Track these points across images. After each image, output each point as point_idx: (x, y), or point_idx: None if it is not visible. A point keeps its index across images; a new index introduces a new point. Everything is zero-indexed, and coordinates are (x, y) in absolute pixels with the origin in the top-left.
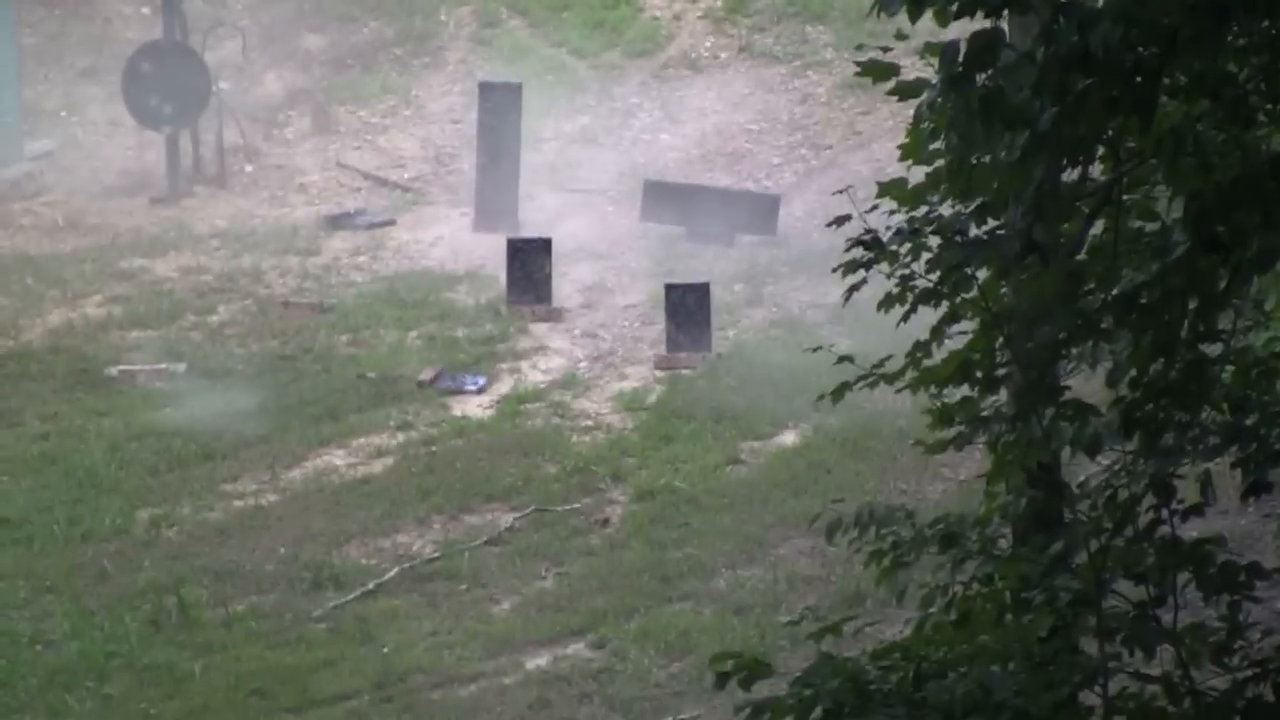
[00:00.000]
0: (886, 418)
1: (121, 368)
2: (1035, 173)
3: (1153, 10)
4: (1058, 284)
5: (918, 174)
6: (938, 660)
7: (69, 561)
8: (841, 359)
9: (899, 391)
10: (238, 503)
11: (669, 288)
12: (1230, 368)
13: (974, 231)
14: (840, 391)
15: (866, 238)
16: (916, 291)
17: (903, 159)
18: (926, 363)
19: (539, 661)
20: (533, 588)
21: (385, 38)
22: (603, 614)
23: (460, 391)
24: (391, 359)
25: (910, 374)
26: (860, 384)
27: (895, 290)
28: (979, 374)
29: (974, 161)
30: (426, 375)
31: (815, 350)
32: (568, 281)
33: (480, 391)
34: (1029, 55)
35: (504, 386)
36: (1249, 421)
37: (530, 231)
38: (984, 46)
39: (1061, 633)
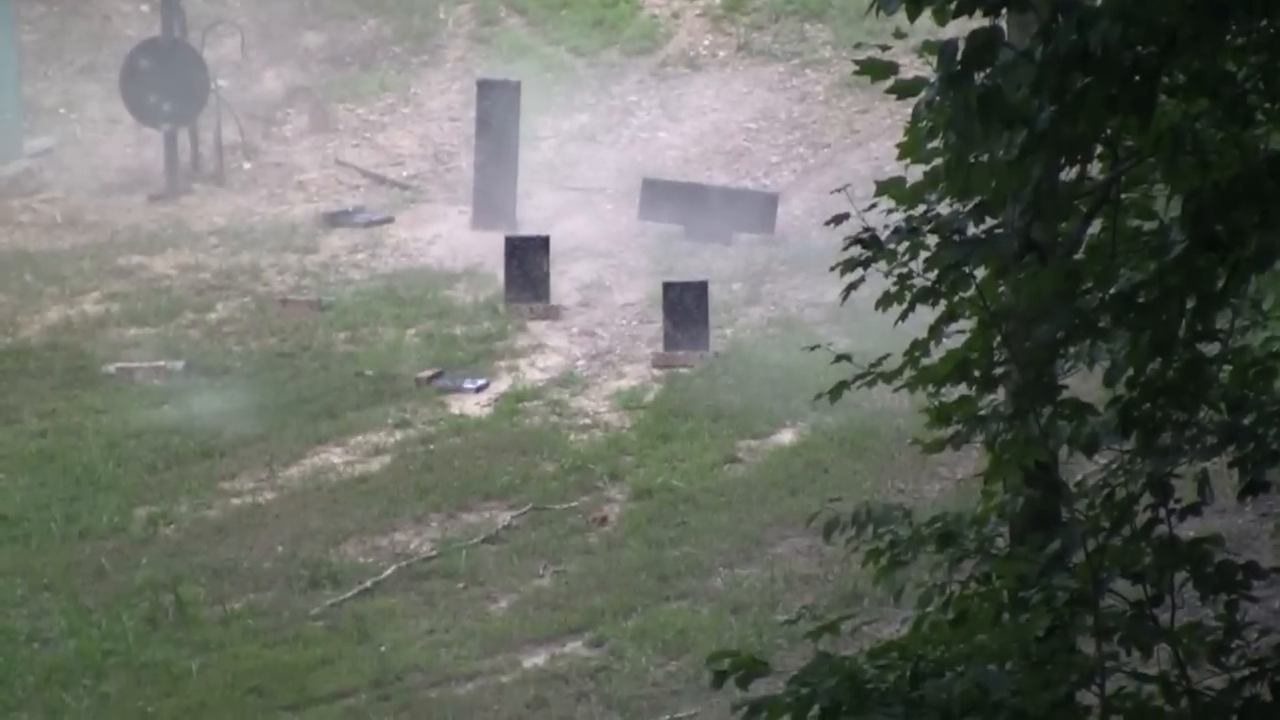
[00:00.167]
0: (884, 417)
1: (119, 365)
2: (1033, 171)
3: (1151, 9)
4: (1056, 283)
5: (916, 173)
6: (935, 659)
7: (66, 559)
8: (839, 358)
9: (897, 390)
10: (235, 500)
11: (667, 286)
12: (1228, 367)
13: (972, 230)
14: (838, 390)
15: (864, 236)
16: (914, 290)
17: (901, 157)
18: (924, 361)
19: (536, 660)
20: (530, 586)
21: (384, 35)
22: (600, 612)
23: (459, 390)
24: (390, 357)
25: (908, 373)
26: (858, 383)
27: (893, 289)
28: (977, 373)
29: (972, 160)
30: (426, 375)
31: (813, 349)
32: (566, 280)
33: (479, 391)
34: (1027, 54)
35: (502, 385)
36: (1246, 421)
37: (528, 229)
38: (982, 45)
39: (1059, 632)
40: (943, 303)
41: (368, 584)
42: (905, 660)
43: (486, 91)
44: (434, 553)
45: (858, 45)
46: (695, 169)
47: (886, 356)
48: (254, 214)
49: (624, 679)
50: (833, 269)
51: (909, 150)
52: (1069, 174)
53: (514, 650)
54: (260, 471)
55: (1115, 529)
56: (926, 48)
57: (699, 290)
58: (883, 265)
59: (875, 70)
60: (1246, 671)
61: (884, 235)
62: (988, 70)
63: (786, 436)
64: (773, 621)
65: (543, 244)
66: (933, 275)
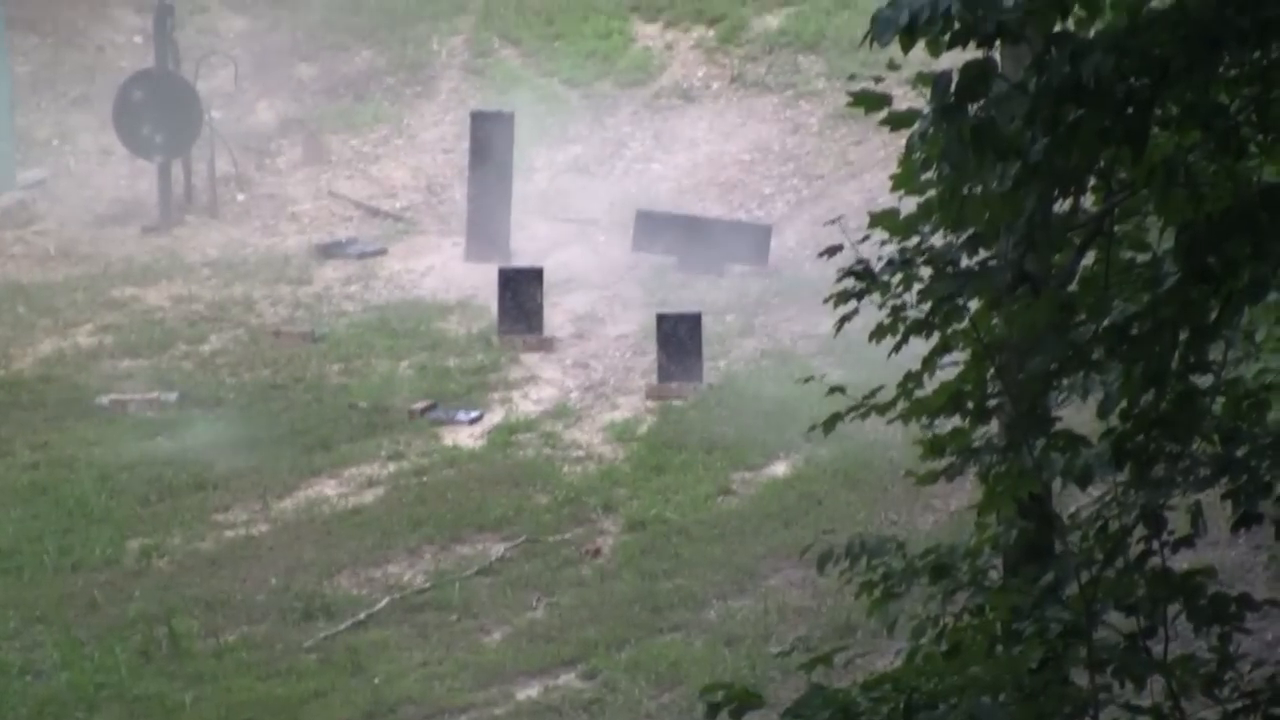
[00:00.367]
0: (878, 449)
1: (113, 397)
2: (1027, 203)
3: (1144, 41)
4: (1049, 315)
5: (909, 204)
6: (928, 691)
7: (59, 591)
8: (833, 390)
9: (890, 422)
10: (229, 533)
11: (660, 318)
12: (1221, 399)
13: (965, 262)
14: (831, 422)
15: (858, 268)
16: (908, 322)
17: (894, 189)
18: (918, 393)
19: (530, 692)
20: (524, 618)
21: (377, 67)
22: (593, 644)
23: (452, 422)
24: (383, 389)
25: (901, 405)
26: (852, 415)
27: (887, 321)
28: (970, 405)
29: (966, 192)
30: (419, 407)
31: (807, 381)
32: (559, 311)
33: (473, 423)
34: (1021, 86)
35: (495, 416)
36: (1240, 453)
37: (522, 261)
38: (976, 77)
39: (1052, 664)
40: (936, 334)
41: (361, 616)
42: (899, 692)
43: (480, 123)
44: (427, 585)
45: (851, 77)
46: (689, 200)
47: (880, 388)
48: (247, 245)
49: (617, 711)
50: (826, 301)
51: (903, 182)
52: (1062, 206)
53: (507, 682)
54: (253, 503)
55: (1109, 561)
56: (920, 79)
57: (692, 322)
58: (876, 297)
59: (869, 102)
60: (1240, 704)
61: (878, 267)
62: (981, 102)
63: (780, 468)
64: (766, 653)
65: (536, 275)
66: (926, 307)
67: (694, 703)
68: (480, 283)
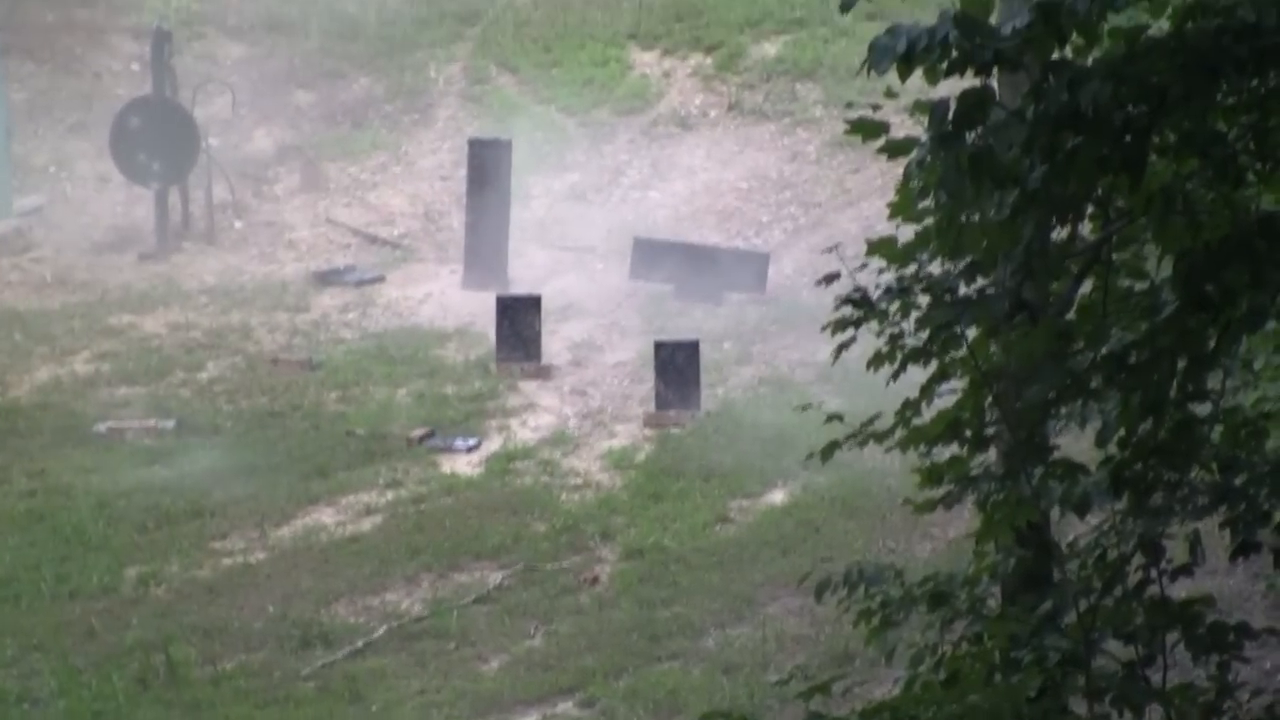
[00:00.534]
0: (876, 476)
1: (110, 424)
2: (1024, 231)
3: (1142, 69)
4: (1047, 343)
5: (907, 232)
6: None
7: (56, 619)
8: (830, 417)
9: (888, 450)
10: (226, 560)
11: (658, 345)
12: (1219, 427)
13: (963, 290)
14: (829, 450)
15: (856, 296)
16: (906, 350)
17: (892, 217)
18: (916, 421)
19: None
20: (521, 646)
21: (375, 94)
22: (591, 673)
23: (450, 449)
24: (381, 416)
25: (899, 433)
26: (849, 443)
27: (884, 349)
28: (968, 433)
29: (963, 220)
30: (417, 434)
31: (804, 409)
32: (557, 339)
33: (471, 451)
34: (1018, 113)
35: (493, 444)
36: (1238, 481)
37: (520, 289)
38: (973, 105)
39: (1050, 692)
40: (934, 362)
41: (359, 644)
42: None
43: (478, 150)
44: (425, 613)
45: (849, 104)
46: (686, 228)
47: (878, 416)
48: (244, 273)
49: None
50: (824, 328)
51: (900, 209)
52: (1060, 234)
53: (505, 711)
54: (251, 531)
55: (1107, 589)
56: (918, 107)
57: (690, 350)
58: (874, 325)
59: (866, 129)
60: None
61: (875, 295)
62: (979, 130)
63: (778, 496)
64: (764, 682)
65: (534, 303)
66: (924, 335)
67: None
68: (478, 310)
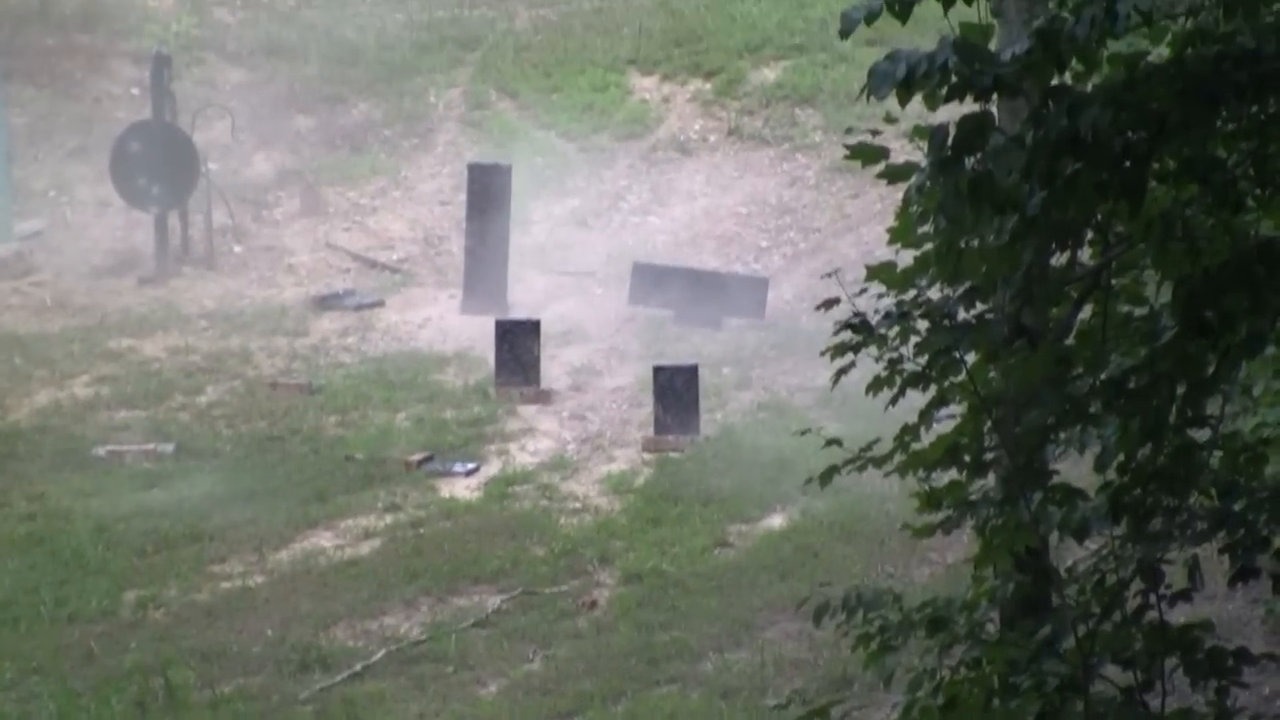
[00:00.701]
0: (874, 501)
1: (109, 448)
2: (1024, 256)
3: (1142, 95)
4: (1046, 368)
5: (906, 257)
6: None
7: (55, 642)
8: (829, 442)
9: (887, 475)
10: (225, 584)
11: (657, 370)
12: (1218, 453)
13: (962, 315)
14: (828, 475)
15: (855, 321)
16: (905, 375)
17: (891, 242)
18: (915, 446)
19: None
20: (520, 670)
21: (374, 119)
22: (590, 697)
23: (449, 474)
24: (380, 440)
25: (898, 457)
26: (848, 467)
27: (884, 373)
28: (967, 458)
29: (963, 245)
30: (416, 459)
31: (803, 433)
32: (556, 363)
33: (470, 475)
34: (1018, 139)
35: (492, 468)
36: (1237, 507)
37: (519, 313)
38: (973, 130)
39: (1049, 717)
40: (933, 387)
41: (357, 668)
42: None
43: (477, 175)
44: (423, 637)
45: (848, 130)
46: (685, 253)
47: (877, 441)
48: (244, 297)
49: None
50: (823, 353)
51: (900, 235)
52: (1059, 259)
53: None
54: (250, 555)
55: (1106, 614)
56: (917, 132)
57: (689, 374)
58: (873, 350)
59: (866, 155)
60: None
61: (874, 320)
62: (978, 155)
63: (776, 521)
64: (763, 706)
65: (533, 328)
66: (923, 360)
67: None
68: (477, 335)
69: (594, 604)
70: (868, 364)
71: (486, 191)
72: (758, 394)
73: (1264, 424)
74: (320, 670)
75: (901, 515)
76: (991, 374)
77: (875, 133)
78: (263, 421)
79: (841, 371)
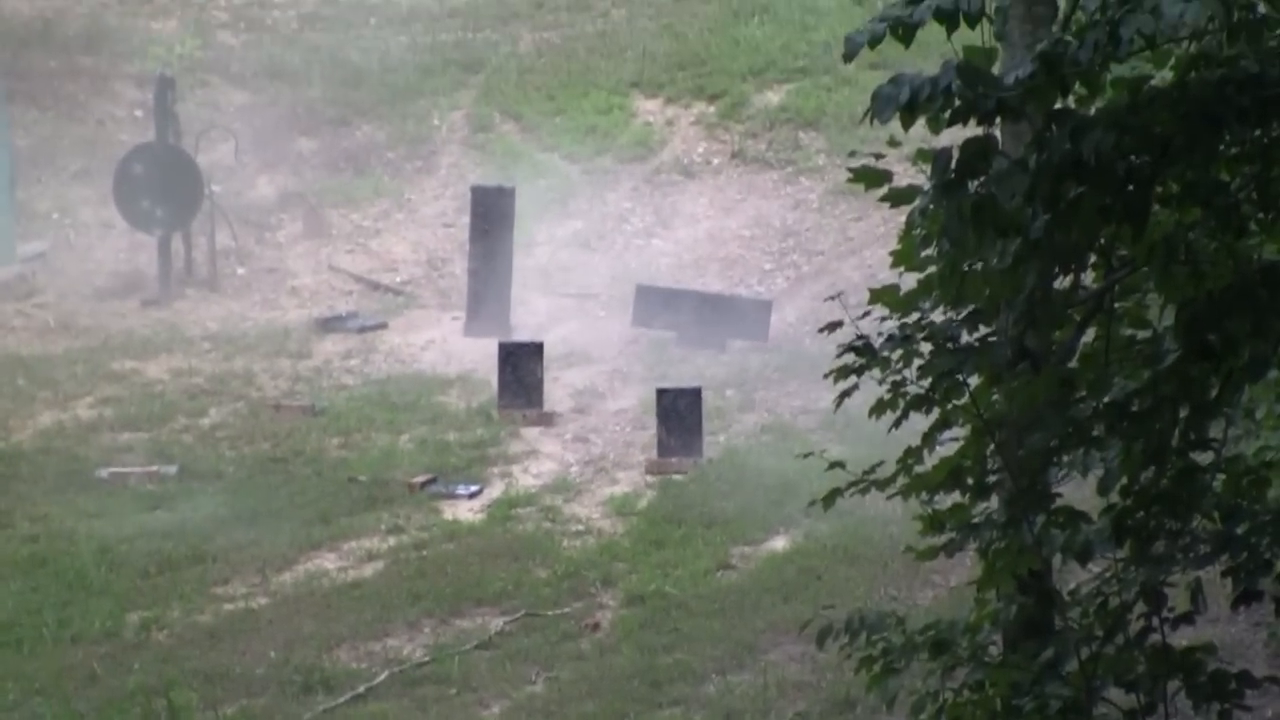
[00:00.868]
0: (878, 524)
1: (112, 469)
2: (1027, 280)
3: (1145, 119)
4: (1049, 391)
5: (910, 280)
6: None
7: (58, 664)
8: (833, 465)
9: (890, 498)
10: (228, 606)
11: (660, 392)
12: (1221, 476)
13: (965, 338)
14: (831, 497)
15: (858, 344)
16: (908, 398)
17: (895, 265)
18: (918, 469)
19: None
20: (523, 692)
21: (378, 141)
22: (592, 719)
23: (452, 496)
24: (383, 463)
25: (901, 480)
26: (851, 490)
27: (887, 396)
28: (970, 480)
29: (966, 268)
30: (419, 481)
31: (806, 456)
32: (559, 386)
33: (473, 498)
34: (1021, 163)
35: (495, 491)
36: (1240, 530)
37: (522, 335)
38: (976, 154)
39: None
40: (936, 410)
41: (360, 690)
42: None
43: (480, 197)
44: (426, 659)
45: (852, 153)
46: (689, 275)
47: (880, 464)
48: (247, 319)
49: None
50: (826, 376)
51: (903, 258)
52: (1062, 282)
53: None
54: (253, 577)
55: (1109, 637)
56: (920, 156)
57: (692, 397)
58: (876, 372)
59: (869, 178)
60: None
61: (878, 343)
62: (981, 179)
63: (780, 543)
64: None
65: (536, 350)
66: (926, 383)
67: None
68: (480, 357)
69: (597, 626)
70: (871, 387)
71: (490, 214)
72: (761, 416)
73: (1267, 447)
74: (323, 692)
75: (904, 538)
76: (994, 397)
77: (879, 156)
78: (266, 443)
79: (845, 394)
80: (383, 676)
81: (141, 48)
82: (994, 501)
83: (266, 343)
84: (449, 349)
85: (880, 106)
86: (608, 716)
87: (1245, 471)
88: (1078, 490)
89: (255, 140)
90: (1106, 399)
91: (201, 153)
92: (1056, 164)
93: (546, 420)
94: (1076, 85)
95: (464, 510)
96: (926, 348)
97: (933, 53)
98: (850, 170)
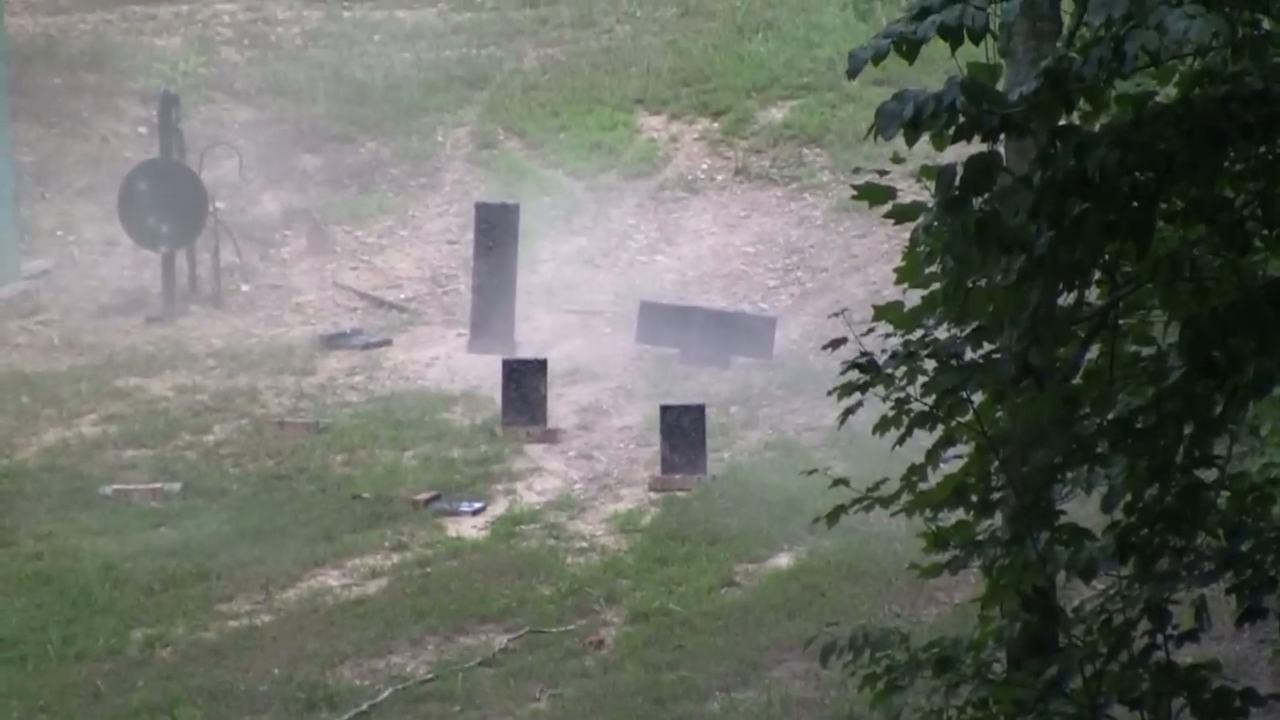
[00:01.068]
0: (882, 541)
1: (116, 487)
2: (1031, 296)
3: (1149, 135)
4: (1053, 408)
5: (914, 297)
6: None
7: (62, 681)
8: (837, 482)
9: (894, 515)
10: (232, 623)
11: (664, 409)
12: (1226, 493)
13: (969, 355)
14: (835, 514)
15: (862, 361)
16: (912, 414)
17: (899, 282)
18: (922, 486)
19: None
20: (527, 709)
21: (382, 158)
22: None
23: (456, 513)
24: (387, 479)
25: (905, 497)
26: (855, 507)
27: (891, 413)
28: (974, 497)
29: (970, 285)
30: (423, 498)
31: (810, 473)
32: (563, 403)
33: (477, 515)
34: (1025, 179)
35: (499, 508)
36: (1244, 547)
37: (526, 352)
38: (980, 170)
39: None
40: (940, 427)
41: (364, 707)
42: None
43: (485, 214)
44: (430, 675)
45: (856, 170)
46: (693, 292)
47: (884, 481)
48: (251, 336)
49: None
50: (830, 393)
51: (907, 274)
52: (1067, 299)
53: None
54: (257, 594)
55: (1113, 655)
56: (925, 172)
57: (696, 413)
58: (880, 389)
59: (873, 195)
60: None
61: (882, 359)
62: (986, 195)
63: (784, 560)
64: None
65: (540, 367)
66: (930, 400)
67: None
68: (484, 374)
69: (601, 643)
70: (875, 404)
71: (494, 230)
72: (765, 433)
73: (1271, 464)
74: (327, 709)
75: (908, 555)
76: (998, 414)
77: (883, 173)
78: (270, 460)
79: (849, 411)
80: (386, 694)
81: (145, 64)
82: (998, 519)
83: (271, 360)
84: (453, 366)
85: (884, 123)
86: None
87: (1250, 488)
88: (1082, 507)
89: (259, 157)
90: (1111, 416)
91: (206, 169)
92: (1061, 180)
93: (550, 437)
94: (1081, 102)
95: (468, 527)
96: (930, 365)
97: (937, 69)
98: (854, 187)
